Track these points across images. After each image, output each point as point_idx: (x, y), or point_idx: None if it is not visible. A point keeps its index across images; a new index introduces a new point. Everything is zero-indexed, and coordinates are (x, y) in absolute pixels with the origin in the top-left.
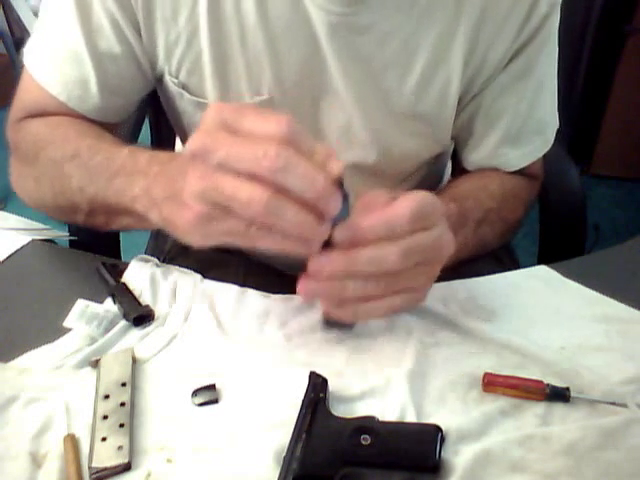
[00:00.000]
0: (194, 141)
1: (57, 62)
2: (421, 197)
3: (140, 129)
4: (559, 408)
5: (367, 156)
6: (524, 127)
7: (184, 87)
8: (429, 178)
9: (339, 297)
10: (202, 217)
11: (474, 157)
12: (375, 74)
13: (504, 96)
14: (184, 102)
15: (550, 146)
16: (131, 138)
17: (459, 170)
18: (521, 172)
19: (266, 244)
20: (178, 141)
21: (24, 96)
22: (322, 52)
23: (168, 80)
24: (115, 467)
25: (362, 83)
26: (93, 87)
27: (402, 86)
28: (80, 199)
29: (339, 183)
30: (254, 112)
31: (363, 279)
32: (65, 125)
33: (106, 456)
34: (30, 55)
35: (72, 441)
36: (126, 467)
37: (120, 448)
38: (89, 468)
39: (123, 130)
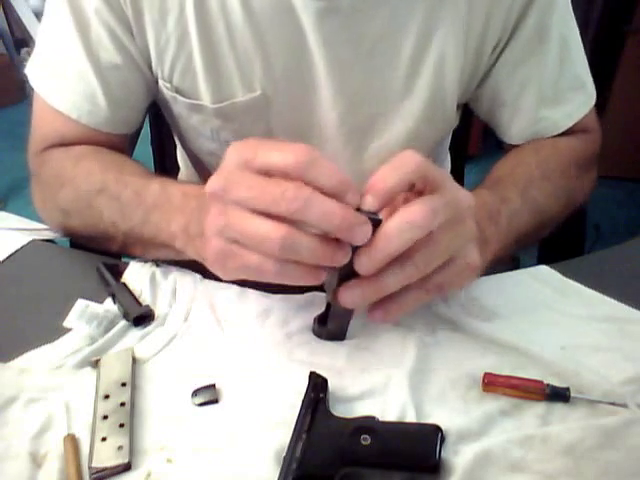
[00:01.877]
0: (213, 182)
1: (64, 80)
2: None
3: (140, 130)
4: (559, 408)
5: (367, 144)
6: (558, 86)
7: (177, 91)
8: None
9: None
10: (220, 253)
11: (516, 128)
12: (365, 57)
13: (525, 61)
14: (178, 106)
15: (595, 100)
16: (132, 139)
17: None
18: (569, 131)
19: (282, 281)
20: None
21: (41, 125)
22: (308, 42)
23: (161, 85)
24: (115, 467)
25: (352, 68)
26: (101, 100)
27: (394, 66)
28: (114, 232)
29: (371, 211)
30: (273, 146)
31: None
32: (88, 158)
33: (106, 456)
34: (36, 77)
35: (72, 441)
36: (126, 467)
37: (120, 448)
38: (89, 468)
39: None
